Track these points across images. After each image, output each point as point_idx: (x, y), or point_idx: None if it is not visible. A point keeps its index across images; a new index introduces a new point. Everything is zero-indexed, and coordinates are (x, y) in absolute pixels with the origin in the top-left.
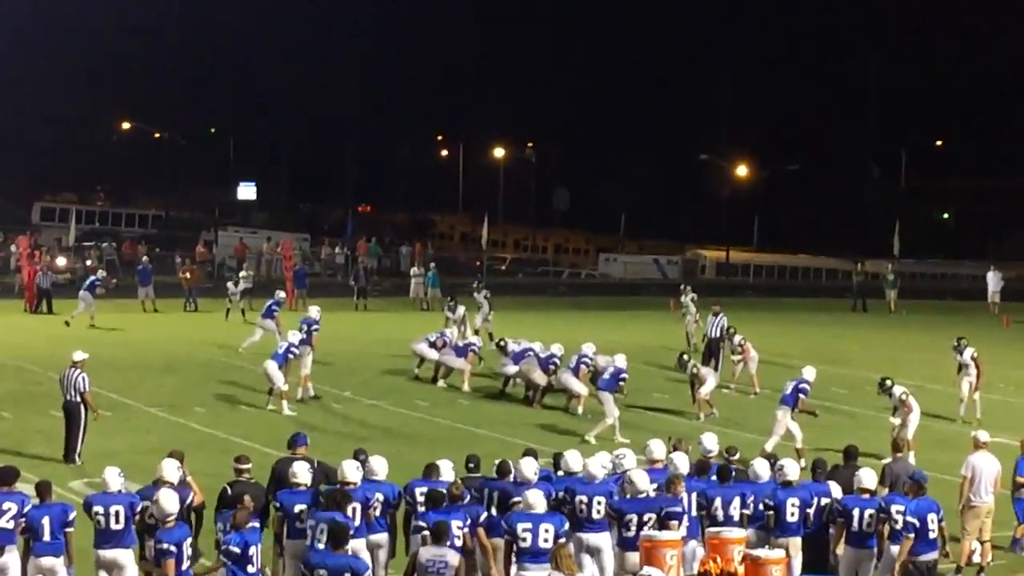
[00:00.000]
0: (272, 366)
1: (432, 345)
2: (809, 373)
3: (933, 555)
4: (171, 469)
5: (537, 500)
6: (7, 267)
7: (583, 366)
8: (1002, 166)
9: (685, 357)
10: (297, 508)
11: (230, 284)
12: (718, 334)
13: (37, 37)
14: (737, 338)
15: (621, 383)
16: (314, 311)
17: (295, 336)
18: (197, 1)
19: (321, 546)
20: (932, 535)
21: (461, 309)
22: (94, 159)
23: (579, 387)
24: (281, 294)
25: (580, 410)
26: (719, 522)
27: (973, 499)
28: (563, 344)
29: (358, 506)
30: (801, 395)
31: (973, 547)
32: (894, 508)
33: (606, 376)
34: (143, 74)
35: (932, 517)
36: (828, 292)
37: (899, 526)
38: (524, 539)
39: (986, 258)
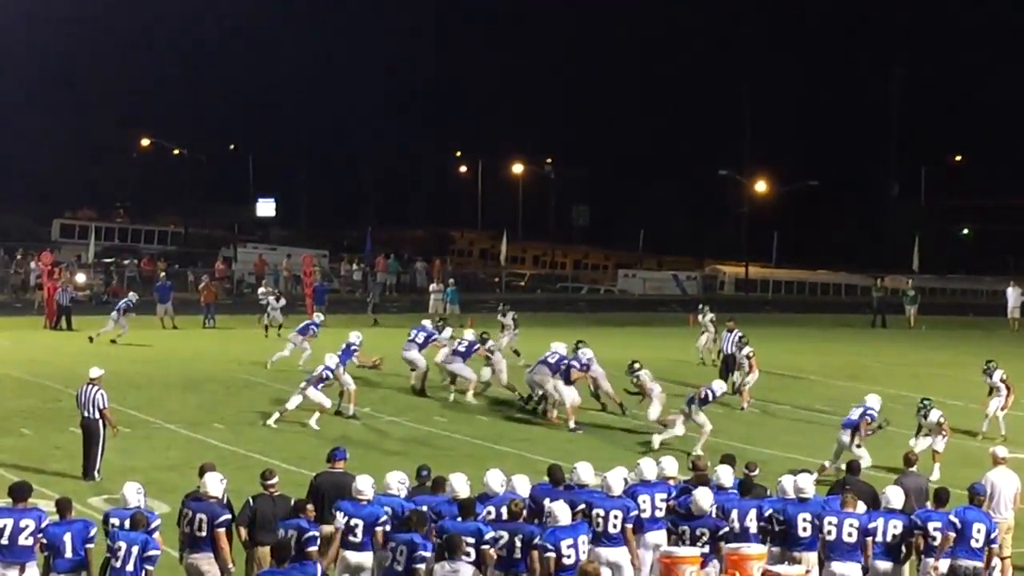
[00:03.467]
0: (313, 392)
1: (456, 352)
2: (874, 401)
3: (974, 563)
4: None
5: (563, 512)
6: (27, 284)
7: (573, 369)
8: (1022, 182)
9: (636, 365)
10: (354, 521)
11: (271, 298)
12: (733, 350)
13: (57, 56)
14: (747, 350)
15: (708, 404)
16: (355, 336)
17: (332, 360)
18: (218, 20)
19: None
20: (975, 544)
21: (511, 315)
22: (114, 176)
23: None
24: (321, 317)
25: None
26: (736, 535)
27: (992, 515)
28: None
29: (361, 521)
30: (867, 419)
31: (993, 563)
32: (931, 525)
33: (702, 395)
34: (163, 91)
35: (979, 527)
36: (848, 308)
37: (937, 542)
38: (568, 556)
39: (1006, 274)
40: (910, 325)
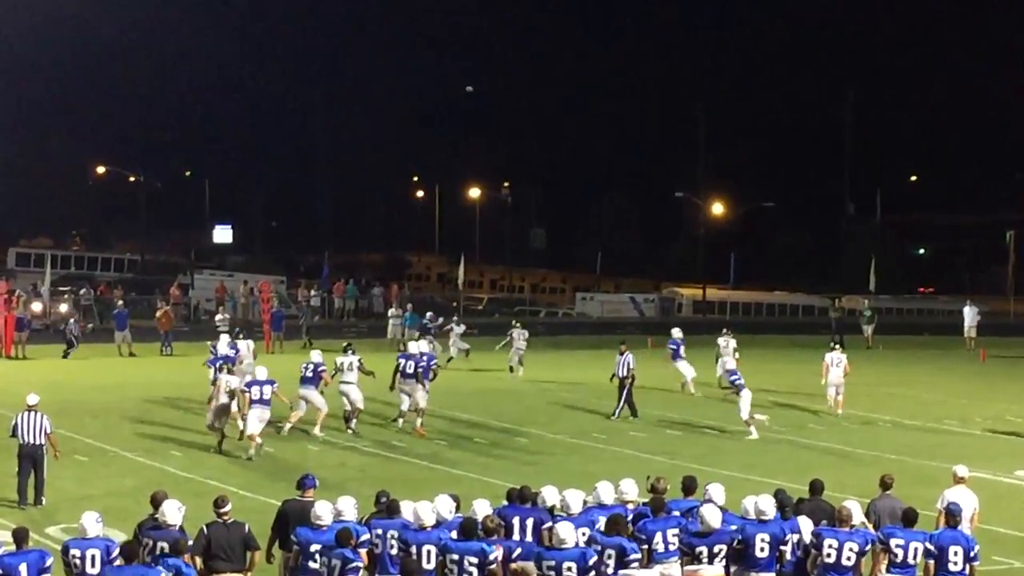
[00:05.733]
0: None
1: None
2: None
3: None
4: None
5: (568, 535)
6: None
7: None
8: (976, 202)
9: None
10: (313, 547)
11: (453, 325)
12: (624, 372)
13: (12, 81)
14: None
15: None
16: (316, 355)
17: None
18: (174, 48)
19: None
20: (953, 567)
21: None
22: (70, 203)
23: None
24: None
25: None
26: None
27: None
28: (537, 383)
29: (319, 547)
30: None
31: None
32: (893, 542)
33: None
34: (119, 118)
35: (955, 549)
36: (805, 329)
37: (899, 559)
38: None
39: (962, 293)
40: (867, 345)
